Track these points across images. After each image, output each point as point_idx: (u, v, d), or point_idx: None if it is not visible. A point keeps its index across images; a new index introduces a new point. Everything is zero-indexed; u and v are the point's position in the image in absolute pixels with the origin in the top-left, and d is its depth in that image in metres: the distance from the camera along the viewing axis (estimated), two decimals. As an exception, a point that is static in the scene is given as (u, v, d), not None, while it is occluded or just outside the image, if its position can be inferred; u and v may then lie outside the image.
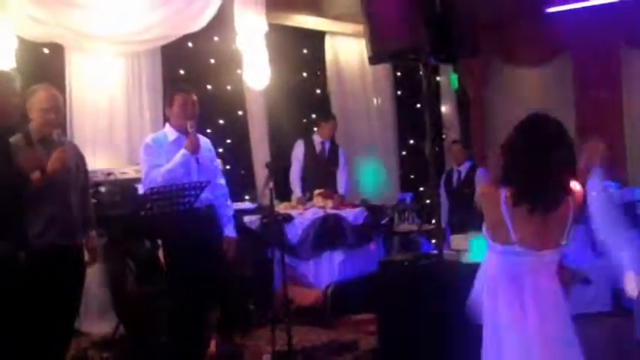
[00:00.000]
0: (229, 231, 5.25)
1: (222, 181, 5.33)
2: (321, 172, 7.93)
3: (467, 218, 7.85)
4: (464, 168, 8.71)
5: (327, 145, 8.07)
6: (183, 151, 4.90)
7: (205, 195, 4.92)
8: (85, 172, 4.82)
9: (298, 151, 8.04)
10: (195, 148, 4.93)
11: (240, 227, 6.09)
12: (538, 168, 3.08)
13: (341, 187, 7.98)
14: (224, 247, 5.17)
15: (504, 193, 3.11)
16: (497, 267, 3.22)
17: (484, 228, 3.27)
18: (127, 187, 5.88)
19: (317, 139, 8.06)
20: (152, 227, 4.70)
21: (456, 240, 5.39)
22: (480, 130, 10.54)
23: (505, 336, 3.15)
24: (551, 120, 3.20)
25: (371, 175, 9.19)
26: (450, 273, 4.80)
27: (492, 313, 3.21)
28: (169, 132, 5.11)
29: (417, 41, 4.86)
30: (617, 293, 7.50)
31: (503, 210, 3.11)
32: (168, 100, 5.21)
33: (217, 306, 5.25)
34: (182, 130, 5.03)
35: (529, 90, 10.10)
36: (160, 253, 5.17)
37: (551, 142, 3.10)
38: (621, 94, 9.52)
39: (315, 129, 8.19)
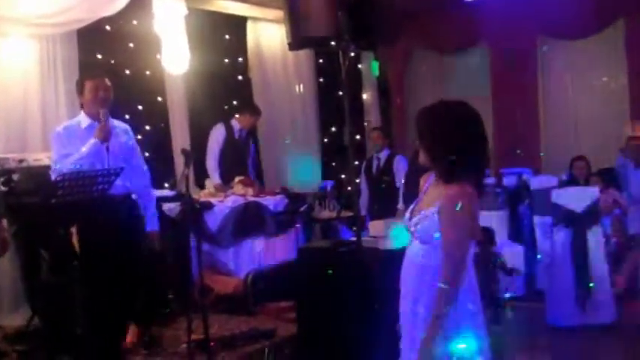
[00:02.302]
0: (153, 224, 5.25)
1: (144, 167, 5.29)
2: (240, 159, 7.85)
3: (386, 205, 7.95)
4: (383, 155, 8.76)
5: (244, 132, 7.99)
6: (92, 140, 4.86)
7: (122, 183, 4.87)
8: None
9: (218, 134, 7.88)
10: (105, 137, 4.88)
11: (160, 215, 6.01)
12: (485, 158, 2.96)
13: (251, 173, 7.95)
14: (150, 241, 5.18)
15: (470, 189, 2.82)
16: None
17: (460, 235, 2.81)
18: (40, 174, 5.71)
19: (236, 125, 7.92)
20: (65, 215, 4.59)
21: (375, 226, 5.44)
22: (401, 118, 10.65)
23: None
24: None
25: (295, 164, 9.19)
26: (368, 259, 4.84)
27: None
28: (83, 119, 5.07)
29: (337, 28, 4.88)
30: (530, 278, 7.75)
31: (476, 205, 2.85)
32: (79, 87, 5.12)
33: (134, 294, 5.17)
34: (95, 117, 4.99)
35: (448, 77, 10.28)
36: (75, 241, 5.05)
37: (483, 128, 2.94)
38: (537, 83, 9.77)
39: (237, 115, 7.99)
